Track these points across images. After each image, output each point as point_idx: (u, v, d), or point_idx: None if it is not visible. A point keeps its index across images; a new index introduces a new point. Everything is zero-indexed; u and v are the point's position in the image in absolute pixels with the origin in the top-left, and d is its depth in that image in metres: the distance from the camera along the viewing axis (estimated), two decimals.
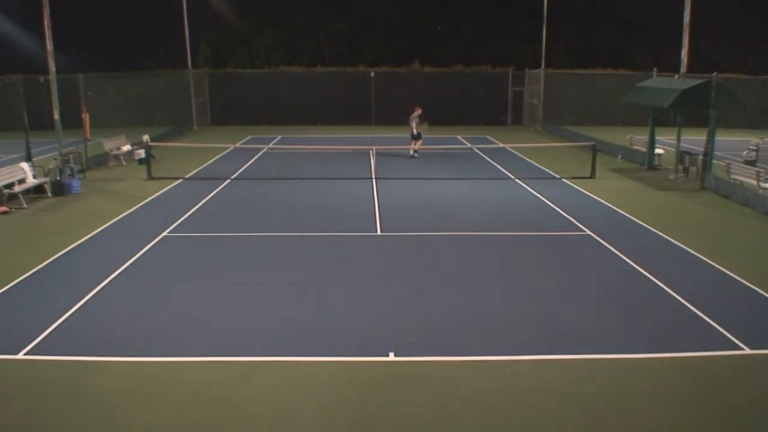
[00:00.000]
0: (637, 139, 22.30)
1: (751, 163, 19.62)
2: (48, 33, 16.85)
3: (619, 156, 22.19)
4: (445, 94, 34.80)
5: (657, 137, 20.38)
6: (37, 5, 16.88)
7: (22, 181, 15.46)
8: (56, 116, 17.38)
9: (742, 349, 7.20)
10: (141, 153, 20.22)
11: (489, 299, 8.80)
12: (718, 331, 7.69)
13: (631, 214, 13.76)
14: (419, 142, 22.22)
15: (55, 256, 10.59)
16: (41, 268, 9.97)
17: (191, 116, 32.76)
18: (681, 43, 19.14)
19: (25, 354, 7.05)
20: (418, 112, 22.15)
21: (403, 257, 10.77)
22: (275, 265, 10.35)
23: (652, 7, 36.34)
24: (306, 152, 23.35)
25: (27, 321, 7.91)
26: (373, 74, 35.24)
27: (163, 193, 16.25)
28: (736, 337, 7.45)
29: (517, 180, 18.05)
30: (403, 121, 30.41)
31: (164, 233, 12.12)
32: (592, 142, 20.09)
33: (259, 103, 34.93)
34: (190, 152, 23.12)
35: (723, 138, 21.88)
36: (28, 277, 9.61)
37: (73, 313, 8.16)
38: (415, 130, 22.01)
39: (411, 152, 22.34)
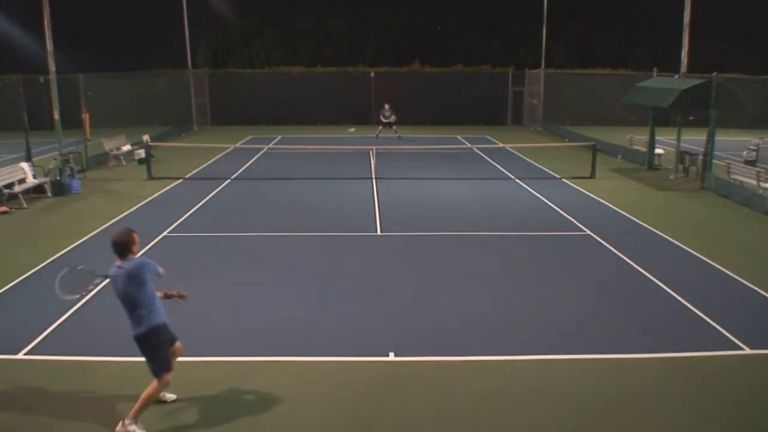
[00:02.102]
0: (637, 139, 22.29)
1: (751, 163, 19.62)
2: (48, 33, 16.83)
3: (619, 156, 22.19)
4: (445, 94, 34.82)
5: (657, 137, 20.38)
6: (37, 5, 16.88)
7: (22, 181, 15.46)
8: (56, 116, 17.36)
9: (742, 349, 7.20)
10: (141, 153, 20.21)
11: (489, 299, 8.80)
12: (718, 331, 7.69)
13: (631, 214, 13.76)
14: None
15: (55, 256, 10.59)
16: (41, 269, 9.97)
17: (191, 116, 32.76)
18: (681, 43, 19.14)
19: (25, 354, 7.05)
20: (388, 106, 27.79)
21: (403, 257, 10.77)
22: (275, 265, 10.36)
23: (652, 7, 36.33)
24: (306, 152, 23.34)
25: (27, 321, 7.92)
26: (373, 74, 35.24)
27: (163, 193, 16.25)
28: (736, 337, 7.45)
29: (517, 180, 18.05)
30: (402, 121, 30.57)
31: (164, 233, 12.12)
32: (592, 142, 20.10)
33: (259, 103, 34.90)
34: (190, 152, 23.11)
35: (723, 138, 21.87)
36: (27, 277, 9.61)
37: (73, 313, 8.16)
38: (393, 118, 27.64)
39: (398, 135, 27.41)
